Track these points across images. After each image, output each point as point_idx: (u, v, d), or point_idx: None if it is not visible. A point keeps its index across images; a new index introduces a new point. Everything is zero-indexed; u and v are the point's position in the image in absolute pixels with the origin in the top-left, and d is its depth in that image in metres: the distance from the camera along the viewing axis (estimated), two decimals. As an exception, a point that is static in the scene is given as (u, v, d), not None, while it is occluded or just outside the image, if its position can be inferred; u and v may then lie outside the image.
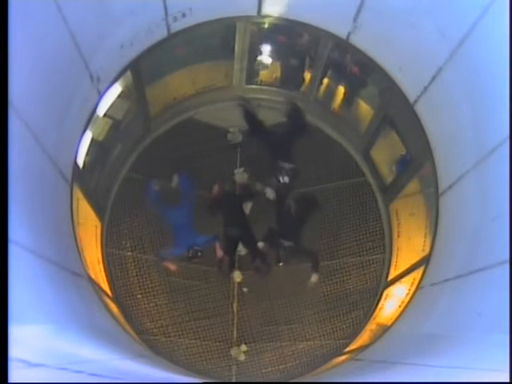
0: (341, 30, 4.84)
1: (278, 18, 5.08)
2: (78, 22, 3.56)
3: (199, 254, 5.93)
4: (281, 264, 6.36)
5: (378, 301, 6.29)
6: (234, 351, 6.20)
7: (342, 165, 6.76)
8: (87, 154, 4.98)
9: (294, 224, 6.10)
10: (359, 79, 5.93)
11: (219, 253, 6.12)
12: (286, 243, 6.07)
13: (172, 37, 4.92)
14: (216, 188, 6.18)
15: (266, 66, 6.33)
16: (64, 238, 4.22)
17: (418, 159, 5.33)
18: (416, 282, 5.05)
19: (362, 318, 6.37)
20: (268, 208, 6.32)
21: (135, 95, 5.65)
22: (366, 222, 6.63)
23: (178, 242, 5.97)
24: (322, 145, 6.79)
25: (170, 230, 6.19)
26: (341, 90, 6.41)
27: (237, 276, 6.27)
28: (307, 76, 6.34)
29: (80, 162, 4.77)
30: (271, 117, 6.74)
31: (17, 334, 2.13)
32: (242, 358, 6.20)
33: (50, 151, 3.71)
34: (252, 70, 6.24)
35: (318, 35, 5.22)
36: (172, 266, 6.21)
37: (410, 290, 5.21)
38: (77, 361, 2.79)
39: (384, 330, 5.37)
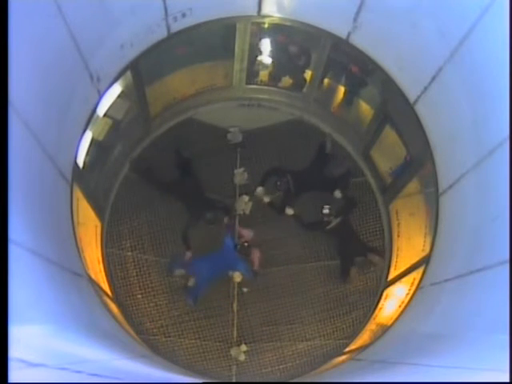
0: (341, 30, 4.83)
1: (278, 18, 5.08)
2: (78, 22, 3.56)
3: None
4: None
5: (378, 301, 6.29)
6: (233, 351, 6.20)
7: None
8: (87, 154, 4.97)
9: None
10: (359, 79, 5.92)
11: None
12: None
13: (172, 37, 4.91)
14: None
15: (266, 66, 6.32)
16: (64, 238, 4.22)
17: (418, 159, 5.32)
18: (416, 282, 5.05)
19: (362, 318, 6.37)
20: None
21: (135, 95, 5.65)
22: (366, 221, 6.64)
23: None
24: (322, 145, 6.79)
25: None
26: (341, 89, 6.40)
27: (237, 276, 6.28)
28: (307, 76, 6.34)
29: (80, 162, 4.77)
30: (271, 117, 6.78)
31: (17, 333, 2.13)
32: (242, 358, 6.20)
33: (50, 151, 3.71)
34: (252, 70, 6.24)
35: (318, 35, 5.21)
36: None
37: (410, 290, 5.20)
38: (77, 361, 2.79)
39: (384, 330, 5.37)
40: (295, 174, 6.59)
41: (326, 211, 6.35)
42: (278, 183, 6.59)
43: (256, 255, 6.36)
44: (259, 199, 6.68)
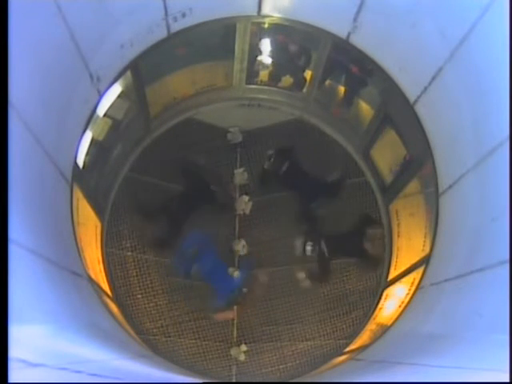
0: (341, 30, 4.83)
1: (278, 18, 5.08)
2: (78, 22, 3.56)
3: None
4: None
5: (378, 301, 6.29)
6: (233, 351, 6.20)
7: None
8: (87, 154, 4.97)
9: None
10: (359, 79, 5.92)
11: None
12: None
13: (172, 37, 4.91)
14: None
15: (266, 66, 6.32)
16: (64, 238, 4.22)
17: (418, 159, 5.32)
18: (416, 282, 5.04)
19: (362, 317, 6.37)
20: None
21: (135, 95, 5.65)
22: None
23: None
24: (322, 145, 6.80)
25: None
26: (341, 90, 6.40)
27: (236, 274, 6.28)
28: (307, 76, 6.34)
29: (80, 162, 4.76)
30: (271, 117, 6.78)
31: (17, 334, 2.13)
32: (242, 357, 6.21)
33: (50, 151, 3.71)
34: (252, 70, 6.24)
35: (318, 35, 5.21)
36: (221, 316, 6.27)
37: (410, 290, 5.20)
38: (77, 361, 2.79)
39: (384, 330, 5.36)
40: (292, 167, 6.49)
41: (308, 248, 6.17)
42: (271, 159, 6.45)
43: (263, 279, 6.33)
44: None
